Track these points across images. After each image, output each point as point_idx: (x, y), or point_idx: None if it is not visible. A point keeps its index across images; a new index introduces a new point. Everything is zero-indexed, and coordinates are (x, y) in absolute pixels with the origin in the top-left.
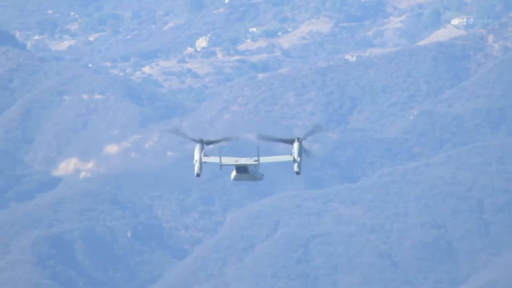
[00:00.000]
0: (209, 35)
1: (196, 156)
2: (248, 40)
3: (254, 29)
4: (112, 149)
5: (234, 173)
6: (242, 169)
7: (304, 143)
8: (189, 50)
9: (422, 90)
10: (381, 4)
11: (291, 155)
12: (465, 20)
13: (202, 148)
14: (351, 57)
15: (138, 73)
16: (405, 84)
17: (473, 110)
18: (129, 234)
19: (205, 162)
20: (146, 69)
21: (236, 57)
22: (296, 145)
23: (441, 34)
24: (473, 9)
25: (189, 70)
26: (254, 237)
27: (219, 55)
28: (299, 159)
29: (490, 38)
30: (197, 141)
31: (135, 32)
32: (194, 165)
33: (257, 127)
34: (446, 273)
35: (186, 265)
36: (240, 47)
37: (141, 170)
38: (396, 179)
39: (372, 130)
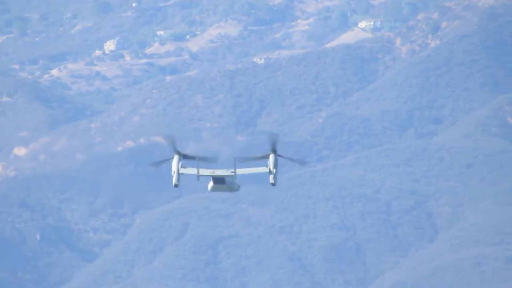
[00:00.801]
0: (117, 38)
1: (174, 167)
2: (156, 43)
3: (162, 32)
4: (20, 151)
5: (211, 184)
6: (219, 180)
7: (281, 154)
8: (97, 53)
9: (330, 93)
10: (289, 7)
11: (267, 166)
12: (372, 23)
13: (179, 160)
14: (259, 60)
15: (46, 76)
16: (313, 87)
17: (380, 112)
18: (38, 237)
19: (182, 174)
20: (55, 71)
21: (144, 60)
22: (271, 157)
23: (349, 37)
24: (380, 12)
25: (97, 73)
26: (163, 239)
27: (127, 58)
28: (274, 170)
29: (398, 41)
30: (175, 153)
31: (43, 34)
32: (172, 176)
33: (166, 129)
34: (354, 274)
35: (95, 267)
36: (148, 50)
37: (50, 173)
38: (305, 181)
39: (280, 132)
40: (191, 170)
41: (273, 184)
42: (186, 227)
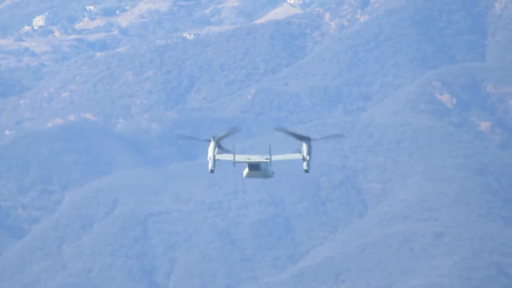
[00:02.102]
0: (46, 13)
1: (210, 153)
2: (86, 19)
3: (92, 8)
4: None
5: (246, 170)
6: (254, 167)
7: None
8: (26, 28)
9: (260, 69)
10: None
11: (301, 153)
12: None
13: (215, 146)
14: (189, 36)
15: None
16: (242, 63)
17: (310, 88)
18: None
19: (218, 160)
20: None
21: (74, 36)
22: (305, 145)
23: (278, 13)
24: None
25: (26, 48)
26: (92, 215)
27: (57, 34)
28: (308, 157)
29: (327, 16)
30: (210, 140)
31: None
32: (208, 162)
33: (96, 105)
34: (284, 250)
35: (24, 244)
36: (78, 25)
37: None
38: None
39: (210, 109)
40: (227, 156)
41: (306, 171)
42: (115, 204)
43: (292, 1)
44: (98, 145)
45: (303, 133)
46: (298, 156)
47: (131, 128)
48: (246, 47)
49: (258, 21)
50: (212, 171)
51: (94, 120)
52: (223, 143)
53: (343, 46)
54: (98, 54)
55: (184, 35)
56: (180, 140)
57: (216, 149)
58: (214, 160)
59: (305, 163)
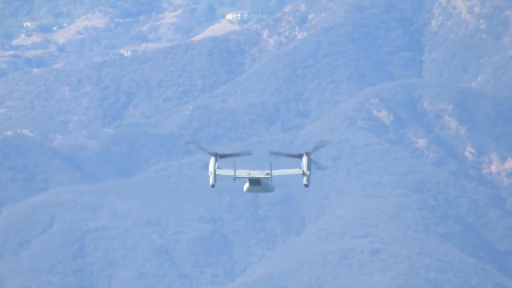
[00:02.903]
0: None
1: (211, 168)
2: (23, 35)
3: (29, 24)
4: None
5: (247, 185)
6: (255, 182)
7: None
8: None
9: (197, 85)
10: (156, 0)
11: (300, 168)
12: (239, 15)
13: (216, 161)
14: (126, 52)
15: None
16: (180, 79)
17: (247, 105)
18: None
19: (219, 175)
20: None
21: (11, 52)
22: (305, 159)
23: (216, 29)
24: (247, 4)
25: None
26: (29, 232)
27: None
28: (308, 172)
29: (265, 33)
30: (212, 154)
31: None
32: (209, 177)
33: (33, 121)
34: (222, 267)
35: None
36: (15, 42)
37: None
38: (171, 173)
39: (147, 125)
40: (228, 172)
41: (306, 186)
42: (52, 220)
43: (230, 18)
44: (35, 161)
45: (296, 151)
46: (298, 171)
47: (68, 144)
48: (183, 63)
49: (195, 38)
50: (213, 186)
51: (31, 136)
52: (221, 161)
53: (281, 63)
54: (35, 70)
55: (122, 51)
56: (118, 157)
57: (217, 164)
58: (215, 175)
59: (305, 178)
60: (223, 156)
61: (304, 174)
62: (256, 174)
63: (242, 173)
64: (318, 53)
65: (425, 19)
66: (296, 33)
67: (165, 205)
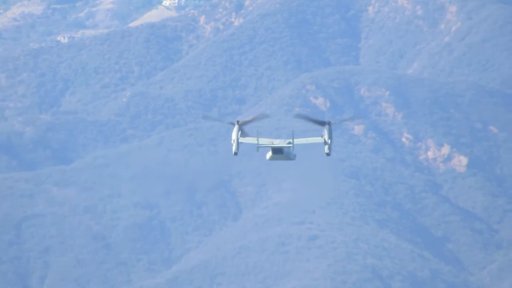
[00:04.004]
0: None
1: (234, 136)
2: None
3: None
4: None
5: (270, 154)
6: (277, 151)
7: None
8: None
9: (135, 72)
10: None
11: (322, 137)
12: (176, 1)
13: (239, 129)
14: (63, 39)
15: None
16: (117, 66)
17: (185, 92)
18: None
19: (241, 143)
20: None
21: None
22: (327, 128)
23: (153, 16)
24: None
25: None
26: None
27: None
28: (329, 141)
29: (202, 20)
30: (234, 123)
31: None
32: (232, 145)
33: None
34: (159, 254)
35: None
36: None
37: None
38: (109, 161)
39: (85, 112)
40: (251, 140)
41: (328, 154)
42: None
43: (167, 4)
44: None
45: (322, 118)
46: (320, 139)
47: (4, 132)
48: (120, 50)
49: (132, 24)
50: (235, 154)
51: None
52: (246, 128)
53: (218, 50)
54: None
55: (59, 38)
56: (55, 144)
57: (240, 132)
58: (238, 143)
59: (326, 147)
60: (243, 123)
61: (325, 142)
62: (278, 143)
63: (264, 141)
64: (254, 40)
65: (362, 6)
66: (233, 19)
67: (102, 192)
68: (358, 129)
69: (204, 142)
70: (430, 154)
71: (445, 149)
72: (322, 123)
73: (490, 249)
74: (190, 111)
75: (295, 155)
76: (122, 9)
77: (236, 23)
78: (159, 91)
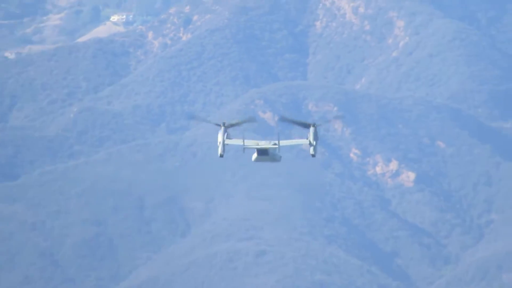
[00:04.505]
0: None
1: (220, 138)
2: None
3: None
4: None
5: (255, 155)
6: (263, 152)
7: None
8: None
9: (82, 87)
10: (41, 1)
11: (307, 138)
12: (124, 17)
13: (225, 131)
14: (10, 55)
15: None
16: (65, 81)
17: (133, 107)
18: None
19: (227, 144)
20: None
21: None
22: (311, 129)
23: (101, 31)
24: (132, 6)
25: None
26: None
27: None
28: (314, 142)
29: (150, 35)
30: (220, 125)
31: None
32: (218, 147)
33: None
34: (107, 270)
35: None
36: None
37: None
38: (57, 177)
39: (32, 128)
40: (237, 141)
41: (313, 155)
42: None
43: (115, 19)
44: None
45: (307, 120)
46: (305, 141)
47: None
48: (68, 65)
49: (80, 40)
50: (221, 156)
51: None
52: (231, 130)
53: (166, 65)
54: None
55: (6, 54)
56: (1, 160)
57: (226, 134)
58: (224, 145)
59: (311, 148)
60: (230, 125)
61: (310, 144)
62: (264, 144)
63: (250, 143)
64: (203, 55)
65: (310, 21)
66: (181, 34)
67: (50, 208)
68: (306, 144)
69: (152, 158)
70: (378, 169)
71: (393, 165)
72: (306, 125)
73: (438, 264)
74: (138, 127)
75: (281, 157)
76: (69, 24)
77: (184, 39)
78: (106, 107)
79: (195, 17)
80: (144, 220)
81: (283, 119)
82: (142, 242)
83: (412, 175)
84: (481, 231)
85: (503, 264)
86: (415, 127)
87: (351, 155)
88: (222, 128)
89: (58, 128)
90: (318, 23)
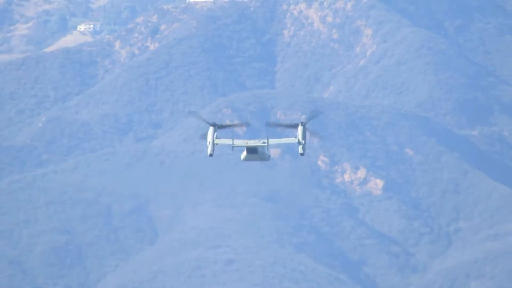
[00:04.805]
0: None
1: (209, 138)
2: None
3: None
4: None
5: (244, 154)
6: (252, 150)
7: (308, 126)
8: None
9: (50, 97)
10: (8, 11)
11: (296, 137)
12: (92, 26)
13: (214, 131)
14: None
15: None
16: (32, 91)
17: (100, 116)
18: None
19: (217, 144)
20: None
21: None
22: (300, 128)
23: (68, 41)
24: (99, 15)
25: None
26: None
27: None
28: (303, 141)
29: (117, 44)
30: (210, 124)
31: None
32: (207, 146)
33: None
34: (76, 278)
35: None
36: None
37: None
38: (25, 186)
39: (0, 137)
40: (226, 141)
41: (302, 154)
42: None
43: (82, 29)
44: None
45: (292, 121)
46: (293, 140)
47: None
48: (36, 75)
49: (48, 49)
50: (211, 155)
51: None
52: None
53: (133, 74)
54: None
55: None
56: None
57: (215, 134)
58: (214, 144)
59: (300, 147)
60: (221, 126)
61: (299, 143)
62: (253, 143)
63: (239, 142)
64: (170, 64)
65: (278, 30)
66: (149, 44)
67: (18, 217)
68: (274, 152)
69: (120, 166)
70: (346, 177)
71: (361, 172)
72: (294, 126)
73: (406, 272)
74: (106, 136)
75: (270, 156)
76: (37, 34)
77: (151, 48)
78: (74, 116)
79: (162, 26)
80: (112, 228)
81: (269, 124)
82: (111, 250)
83: (380, 183)
84: (449, 239)
85: (471, 273)
86: (383, 135)
87: (319, 162)
88: (211, 128)
89: (26, 138)
90: (286, 32)
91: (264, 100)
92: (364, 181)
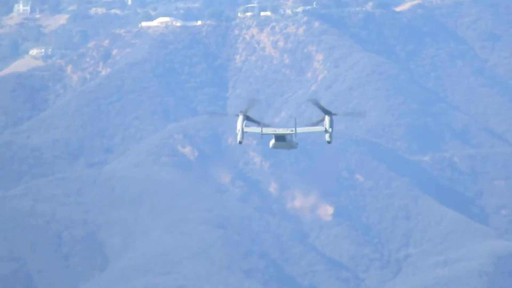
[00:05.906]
0: None
1: (239, 126)
2: None
3: None
4: None
5: (272, 141)
6: (280, 138)
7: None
8: None
9: (1, 122)
10: None
11: (323, 126)
12: (43, 50)
13: (244, 119)
14: None
15: None
16: None
17: (52, 141)
18: None
19: (246, 132)
20: None
21: None
22: (327, 117)
23: (20, 65)
24: (51, 40)
25: None
26: None
27: None
28: (330, 130)
29: (69, 69)
30: (239, 113)
31: None
32: (237, 134)
33: None
34: None
35: None
36: None
37: None
38: None
39: None
40: (255, 129)
41: (329, 142)
42: None
43: (34, 53)
44: None
45: (328, 108)
46: (321, 128)
47: None
48: None
49: None
50: (240, 142)
51: None
52: (251, 114)
53: (85, 99)
54: None
55: None
56: None
57: (245, 122)
58: (243, 132)
59: (327, 135)
60: (246, 112)
61: (326, 131)
62: (281, 131)
63: (268, 130)
64: (122, 89)
65: (229, 55)
66: (100, 68)
67: None
68: (225, 178)
69: (71, 192)
70: (296, 203)
71: (312, 198)
72: (326, 112)
73: None
74: (57, 161)
75: (297, 143)
76: None
77: (103, 73)
78: (25, 141)
79: (114, 51)
80: (62, 255)
81: (311, 101)
82: (61, 278)
83: (330, 209)
84: (399, 265)
85: None
86: (334, 161)
87: (270, 188)
88: (241, 116)
89: None
90: (237, 57)
91: (216, 125)
92: (315, 207)
